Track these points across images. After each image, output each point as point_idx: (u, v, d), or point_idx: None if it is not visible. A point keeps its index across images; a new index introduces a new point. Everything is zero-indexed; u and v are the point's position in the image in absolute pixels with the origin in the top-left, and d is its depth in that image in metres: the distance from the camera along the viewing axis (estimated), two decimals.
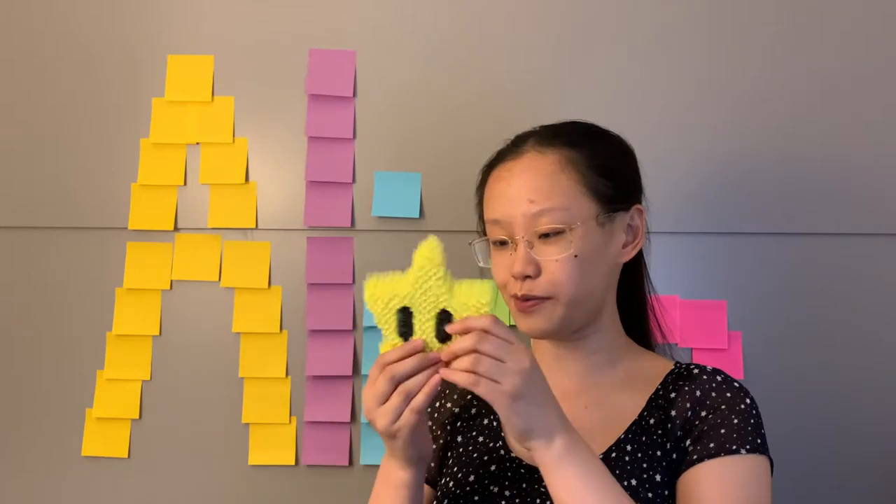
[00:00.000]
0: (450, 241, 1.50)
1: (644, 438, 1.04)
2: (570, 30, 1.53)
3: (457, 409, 1.16)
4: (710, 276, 1.49)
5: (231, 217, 1.55)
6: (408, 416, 0.91)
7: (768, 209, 1.49)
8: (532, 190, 1.05)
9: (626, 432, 1.05)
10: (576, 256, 1.03)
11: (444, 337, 0.91)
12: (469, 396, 1.16)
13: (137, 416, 1.55)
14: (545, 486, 1.01)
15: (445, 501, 1.08)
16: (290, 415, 1.53)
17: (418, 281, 0.92)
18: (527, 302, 1.05)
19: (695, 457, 1.01)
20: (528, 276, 1.04)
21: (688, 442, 1.02)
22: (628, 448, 1.04)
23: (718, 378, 1.07)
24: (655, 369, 1.12)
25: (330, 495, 1.52)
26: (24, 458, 1.56)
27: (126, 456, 1.55)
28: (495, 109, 1.52)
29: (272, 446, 1.52)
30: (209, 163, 1.56)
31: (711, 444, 1.01)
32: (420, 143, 1.54)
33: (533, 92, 1.52)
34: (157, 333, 1.55)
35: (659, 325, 1.22)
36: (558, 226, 1.03)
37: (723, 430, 1.01)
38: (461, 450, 1.12)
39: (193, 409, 1.54)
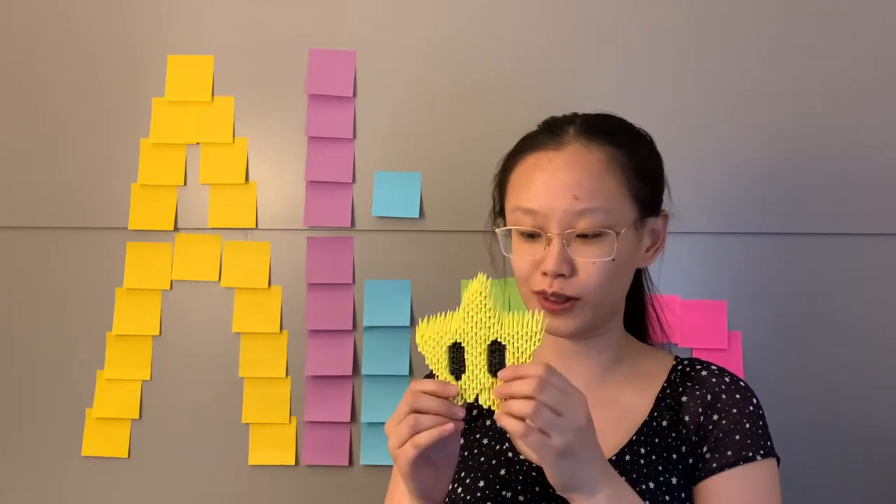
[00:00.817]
0: (450, 241, 1.53)
1: (657, 440, 1.04)
2: (570, 29, 1.53)
3: None
4: (710, 276, 1.49)
5: (231, 217, 1.55)
6: (407, 448, 0.88)
7: (768, 209, 1.48)
8: (578, 186, 1.01)
9: (638, 433, 1.05)
10: (613, 260, 1.01)
11: (496, 369, 0.90)
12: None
13: (137, 416, 1.55)
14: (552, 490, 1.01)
15: None
16: (290, 415, 1.53)
17: (468, 315, 0.91)
18: (556, 303, 1.02)
19: (714, 465, 1.02)
20: (561, 275, 1.01)
21: (704, 449, 1.03)
22: (642, 451, 1.03)
23: (726, 379, 1.08)
24: (657, 364, 1.12)
25: (330, 495, 1.52)
26: (24, 458, 1.56)
27: (126, 456, 1.55)
28: (495, 109, 1.52)
29: (272, 446, 1.52)
30: (209, 163, 1.56)
31: (729, 452, 1.02)
32: (420, 143, 1.54)
33: (533, 91, 1.52)
34: (157, 333, 1.55)
35: (660, 323, 1.22)
36: (602, 227, 1.00)
37: (738, 437, 1.02)
38: (466, 454, 1.10)
39: (193, 409, 1.54)
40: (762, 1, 1.51)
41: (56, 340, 1.56)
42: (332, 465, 1.52)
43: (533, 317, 0.90)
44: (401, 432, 0.88)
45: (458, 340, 0.91)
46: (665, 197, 1.13)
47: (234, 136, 1.56)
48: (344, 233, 1.54)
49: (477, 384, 0.90)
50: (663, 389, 1.08)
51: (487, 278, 0.92)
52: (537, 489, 1.02)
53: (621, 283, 1.06)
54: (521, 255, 1.04)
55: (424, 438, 0.87)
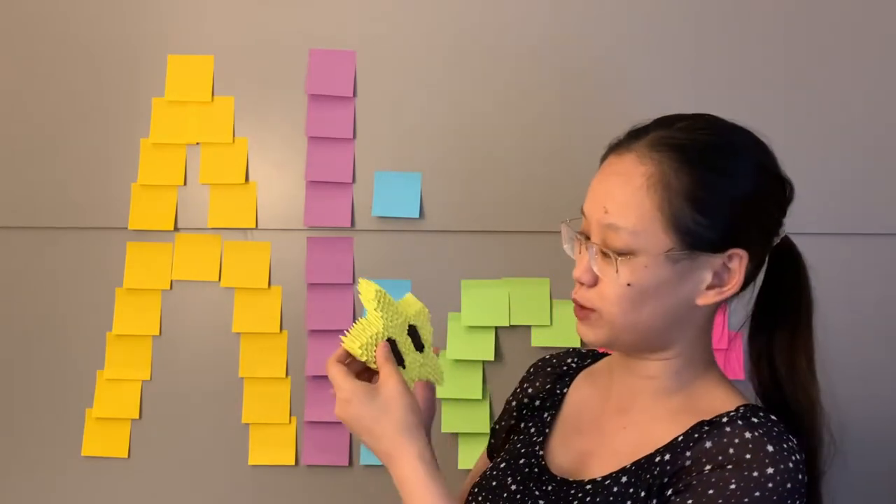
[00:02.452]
0: (450, 241, 1.53)
1: (647, 476, 0.94)
2: (570, 28, 1.53)
3: (533, 399, 1.14)
4: None
5: (231, 217, 1.55)
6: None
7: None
8: (611, 199, 0.94)
9: (634, 463, 0.96)
10: (629, 285, 0.93)
11: (419, 347, 1.02)
12: (547, 388, 1.14)
13: (137, 416, 1.55)
14: (542, 490, 1.02)
15: (479, 478, 1.09)
16: (290, 415, 1.53)
17: (384, 314, 0.99)
18: (579, 308, 0.98)
19: (668, 492, 0.90)
20: (583, 283, 0.97)
21: (670, 492, 0.90)
22: (623, 480, 0.95)
23: (748, 435, 0.90)
24: (713, 405, 0.97)
25: (330, 495, 1.52)
26: (24, 458, 1.56)
27: (126, 456, 1.55)
28: (495, 109, 1.52)
29: (272, 446, 1.52)
30: (209, 163, 1.56)
31: (690, 501, 0.87)
32: (420, 143, 1.54)
33: (533, 91, 1.52)
34: (157, 333, 1.55)
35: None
36: (622, 248, 0.93)
37: (711, 491, 0.86)
38: (515, 437, 1.13)
39: (193, 409, 1.54)
40: (763, 2, 1.51)
41: (56, 340, 1.56)
42: (332, 465, 1.52)
43: (410, 297, 1.04)
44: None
45: (390, 336, 0.99)
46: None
47: (234, 136, 1.56)
48: (344, 233, 1.54)
49: (417, 366, 1.02)
50: (690, 428, 0.95)
51: (368, 280, 1.02)
52: (530, 484, 1.03)
53: (645, 311, 0.94)
54: (576, 257, 1.01)
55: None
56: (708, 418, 0.95)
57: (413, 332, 1.02)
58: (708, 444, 0.91)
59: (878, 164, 1.49)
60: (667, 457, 0.93)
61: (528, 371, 1.21)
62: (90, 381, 1.55)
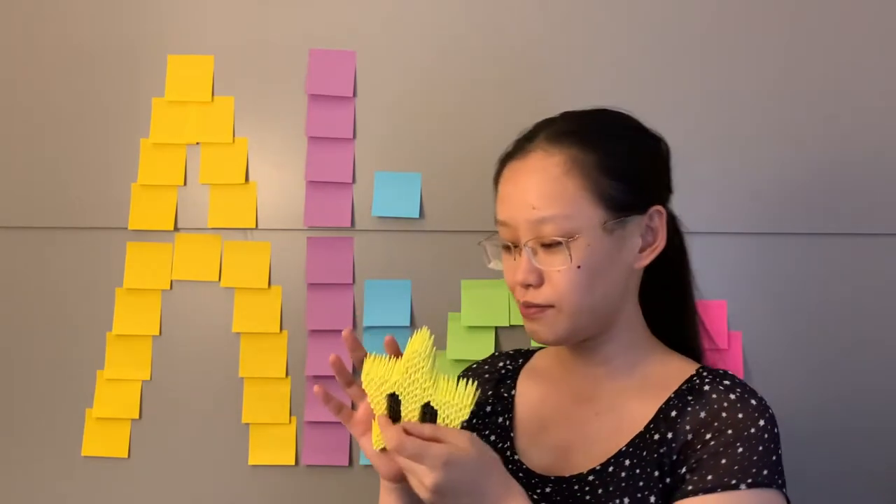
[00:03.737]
0: (450, 241, 1.53)
1: (645, 454, 0.98)
2: (571, 28, 1.53)
3: (476, 408, 1.11)
4: (710, 276, 1.49)
5: (231, 217, 1.55)
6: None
7: (768, 209, 1.48)
8: (535, 195, 0.98)
9: (629, 444, 1.00)
10: (579, 268, 0.97)
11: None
12: (490, 394, 1.14)
13: (137, 416, 1.55)
14: (539, 493, 1.01)
15: None
16: (290, 415, 1.53)
17: (408, 371, 0.94)
18: (529, 309, 1.01)
19: (689, 487, 0.94)
20: (530, 285, 0.99)
21: (683, 469, 0.95)
22: (626, 463, 0.99)
23: (732, 396, 0.97)
24: (674, 373, 1.04)
25: (330, 495, 1.52)
26: (24, 458, 1.56)
27: (126, 456, 1.55)
28: (496, 109, 1.52)
29: (272, 446, 1.52)
30: (209, 163, 1.56)
31: (709, 477, 0.93)
32: (420, 143, 1.54)
33: (534, 91, 1.52)
34: (157, 333, 1.55)
35: (707, 331, 1.16)
36: (561, 234, 0.97)
37: (723, 461, 0.93)
38: None
39: (193, 409, 1.54)
40: (770, 4, 1.51)
41: (56, 340, 1.56)
42: (332, 465, 1.52)
43: (465, 388, 0.93)
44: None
45: (396, 392, 0.94)
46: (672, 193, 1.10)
47: (234, 136, 1.56)
48: (344, 233, 1.54)
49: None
50: (668, 400, 1.01)
51: (430, 335, 0.95)
52: (535, 497, 1.01)
53: (599, 288, 0.99)
54: (504, 267, 1.05)
55: None
56: (676, 387, 1.01)
57: (428, 413, 0.95)
58: (702, 415, 0.97)
59: (876, 165, 1.49)
60: (668, 434, 0.97)
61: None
62: (90, 381, 1.55)
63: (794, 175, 1.50)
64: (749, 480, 0.92)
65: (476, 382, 0.95)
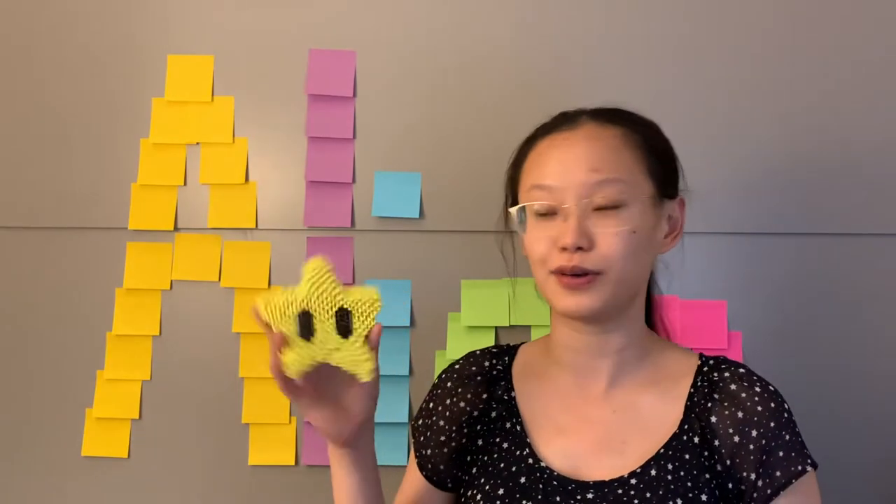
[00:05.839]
0: (450, 241, 1.53)
1: (688, 457, 1.00)
2: (571, 28, 1.53)
3: (473, 411, 1.11)
4: (710, 276, 1.49)
5: (231, 217, 1.55)
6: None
7: (768, 209, 1.49)
8: (596, 159, 1.00)
9: (667, 447, 1.01)
10: (634, 232, 0.99)
11: (345, 332, 0.98)
12: (485, 397, 1.11)
13: (137, 416, 1.55)
14: (580, 499, 0.98)
15: None
16: (290, 415, 1.53)
17: (313, 286, 0.97)
18: (576, 278, 0.98)
19: (768, 491, 0.99)
20: (580, 248, 0.98)
21: (747, 474, 0.99)
22: (669, 466, 0.99)
23: (756, 388, 1.02)
24: (681, 365, 1.07)
25: (330, 495, 1.51)
26: (24, 458, 1.56)
27: (126, 456, 1.55)
28: (496, 109, 1.52)
29: (272, 446, 1.52)
30: (209, 163, 1.56)
31: (778, 473, 0.99)
32: (420, 143, 1.54)
33: (533, 91, 1.52)
34: (157, 333, 1.55)
35: (663, 324, 1.20)
36: (621, 198, 0.99)
37: (781, 453, 0.99)
38: (486, 458, 1.07)
39: (193, 409, 1.54)
40: (767, 2, 1.51)
41: (56, 340, 1.56)
42: None
43: (372, 288, 1.00)
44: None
45: (306, 307, 0.97)
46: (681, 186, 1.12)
47: (234, 136, 1.56)
48: (344, 233, 1.54)
49: (328, 345, 0.98)
50: (690, 397, 1.03)
51: (325, 258, 1.00)
52: (558, 499, 0.99)
53: (642, 262, 1.02)
54: (536, 236, 1.02)
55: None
56: (688, 380, 1.04)
57: (343, 315, 0.98)
58: (740, 414, 1.00)
59: (877, 165, 1.49)
60: (710, 438, 1.00)
61: (442, 386, 1.15)
62: (90, 381, 1.55)
63: (795, 175, 1.50)
64: (809, 460, 1.00)
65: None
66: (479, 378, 1.13)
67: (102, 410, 1.55)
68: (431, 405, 1.15)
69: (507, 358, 1.15)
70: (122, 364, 1.55)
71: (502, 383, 1.12)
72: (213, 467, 1.54)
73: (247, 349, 1.54)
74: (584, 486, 1.00)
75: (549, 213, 1.01)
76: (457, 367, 1.17)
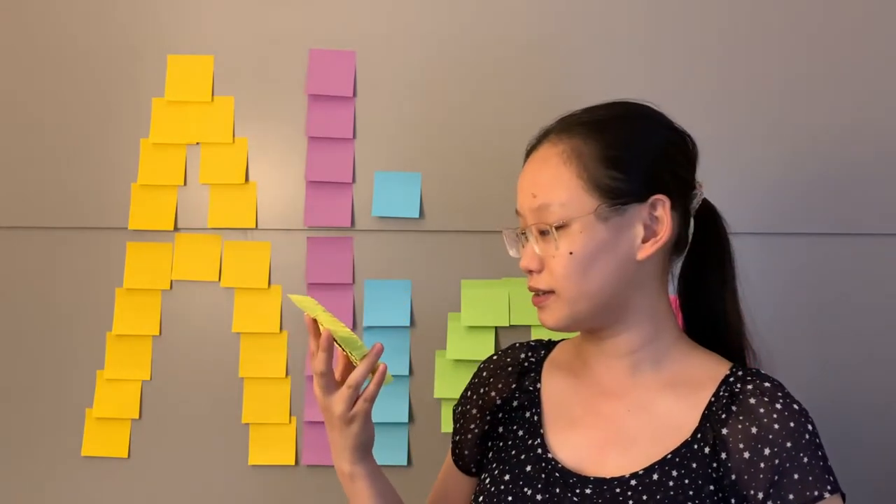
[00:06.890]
0: (450, 241, 1.53)
1: (695, 466, 0.98)
2: (571, 28, 1.53)
3: (499, 400, 1.13)
4: None
5: (231, 217, 1.55)
6: (361, 405, 1.06)
7: (768, 210, 1.48)
8: (535, 184, 1.03)
9: (675, 453, 0.99)
10: (571, 254, 0.99)
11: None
12: (514, 387, 1.13)
13: (137, 416, 1.55)
14: (578, 493, 0.99)
15: (481, 498, 1.06)
16: (290, 415, 1.53)
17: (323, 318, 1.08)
18: (537, 297, 1.04)
19: None
20: (531, 271, 1.04)
21: (755, 493, 0.95)
22: (674, 473, 0.98)
23: (777, 405, 0.98)
24: (707, 372, 1.04)
25: (330, 495, 1.52)
26: (24, 458, 1.56)
27: (126, 456, 1.55)
28: (496, 109, 1.52)
29: (272, 446, 1.52)
30: (209, 163, 1.56)
31: (791, 496, 0.94)
32: (420, 143, 1.54)
33: (533, 91, 1.52)
34: (157, 333, 1.55)
35: (749, 342, 1.12)
36: (556, 220, 1.00)
37: (796, 476, 0.95)
38: (501, 444, 1.10)
39: (193, 409, 1.54)
40: (761, 4, 1.51)
41: (56, 340, 1.56)
42: (332, 465, 1.51)
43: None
44: (347, 396, 1.07)
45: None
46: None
47: (234, 136, 1.56)
48: (344, 233, 1.54)
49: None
50: (710, 405, 1.01)
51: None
52: (557, 490, 1.00)
53: (595, 275, 1.00)
54: (521, 255, 1.08)
55: (373, 388, 1.09)
56: (712, 388, 1.01)
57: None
58: (754, 430, 0.97)
59: (878, 165, 1.49)
60: (719, 450, 0.97)
61: (479, 375, 1.18)
62: (90, 381, 1.55)
63: (795, 176, 1.50)
64: (829, 487, 0.95)
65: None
66: (510, 369, 1.16)
67: (102, 410, 1.55)
68: (469, 393, 1.19)
69: (543, 351, 1.17)
70: (122, 364, 1.55)
71: (532, 375, 1.14)
72: (213, 467, 1.54)
73: (247, 349, 1.54)
74: (584, 480, 1.00)
75: (521, 234, 1.07)
76: (495, 357, 1.20)
